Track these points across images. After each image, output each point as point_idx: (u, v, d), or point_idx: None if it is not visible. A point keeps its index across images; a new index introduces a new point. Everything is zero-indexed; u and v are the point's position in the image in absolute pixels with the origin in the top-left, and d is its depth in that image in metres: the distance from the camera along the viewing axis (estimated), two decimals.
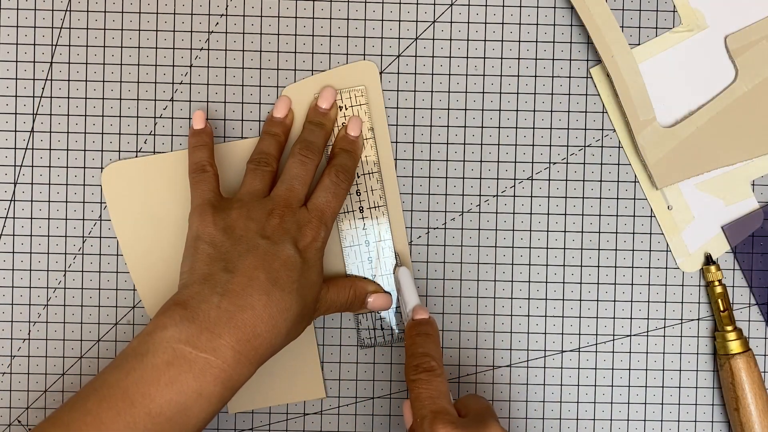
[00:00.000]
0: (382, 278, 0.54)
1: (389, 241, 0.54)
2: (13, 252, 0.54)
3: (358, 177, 0.54)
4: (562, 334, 0.55)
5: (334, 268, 0.54)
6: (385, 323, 0.54)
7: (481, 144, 0.55)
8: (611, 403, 0.55)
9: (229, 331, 0.44)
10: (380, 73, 0.55)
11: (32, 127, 0.54)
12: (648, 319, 0.55)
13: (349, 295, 0.52)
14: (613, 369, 0.55)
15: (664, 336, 0.55)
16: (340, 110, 0.54)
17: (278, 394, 0.54)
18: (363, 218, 0.54)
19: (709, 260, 0.55)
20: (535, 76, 0.55)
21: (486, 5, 0.55)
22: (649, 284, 0.55)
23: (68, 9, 0.54)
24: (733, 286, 0.55)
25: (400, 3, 0.55)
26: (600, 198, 0.55)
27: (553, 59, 0.55)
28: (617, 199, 0.55)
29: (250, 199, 0.50)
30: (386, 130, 0.54)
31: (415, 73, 0.55)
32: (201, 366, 0.44)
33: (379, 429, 0.55)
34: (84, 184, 0.54)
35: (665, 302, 0.55)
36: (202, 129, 0.53)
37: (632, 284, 0.55)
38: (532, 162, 0.55)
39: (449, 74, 0.55)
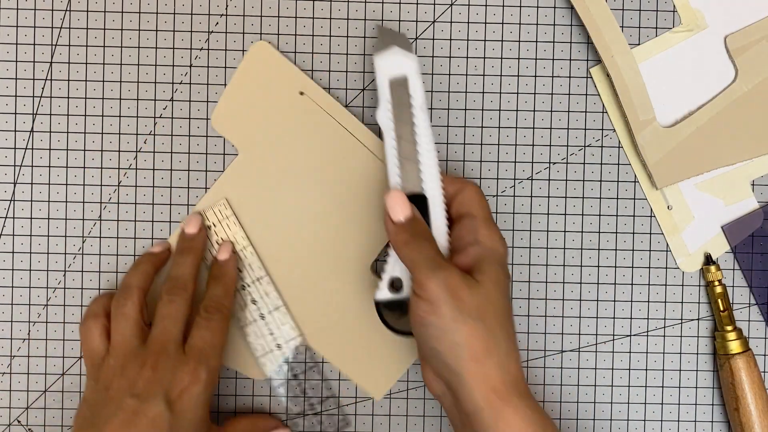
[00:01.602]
0: (287, 345, 0.54)
1: (282, 308, 0.53)
2: (13, 252, 0.54)
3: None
4: (562, 334, 0.55)
5: (240, 353, 0.54)
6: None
7: (481, 144, 0.55)
8: (611, 403, 0.55)
9: None
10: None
11: (32, 127, 0.54)
12: (648, 319, 0.55)
13: None
14: (613, 369, 0.55)
15: (664, 336, 0.55)
16: (209, 229, 0.53)
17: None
18: (250, 293, 0.53)
19: (709, 260, 0.55)
20: (535, 76, 0.55)
21: (486, 5, 0.55)
22: (649, 284, 0.55)
23: (68, 9, 0.54)
24: (733, 286, 0.55)
25: (400, 3, 0.55)
26: (600, 198, 0.55)
27: (553, 59, 0.55)
28: (617, 199, 0.55)
29: (124, 350, 0.48)
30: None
31: None
32: None
33: (379, 429, 0.55)
34: (84, 184, 0.54)
35: (665, 302, 0.55)
36: (158, 254, 0.53)
37: (632, 284, 0.55)
38: (532, 162, 0.55)
39: (449, 74, 0.55)
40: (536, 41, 0.55)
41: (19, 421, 0.55)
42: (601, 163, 0.55)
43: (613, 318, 0.55)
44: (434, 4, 0.55)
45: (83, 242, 0.55)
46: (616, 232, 0.55)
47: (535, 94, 0.55)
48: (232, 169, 0.54)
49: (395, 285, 0.49)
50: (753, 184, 0.55)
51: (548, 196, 0.55)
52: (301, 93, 0.53)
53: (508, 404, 0.44)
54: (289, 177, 0.54)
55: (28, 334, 0.55)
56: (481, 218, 0.48)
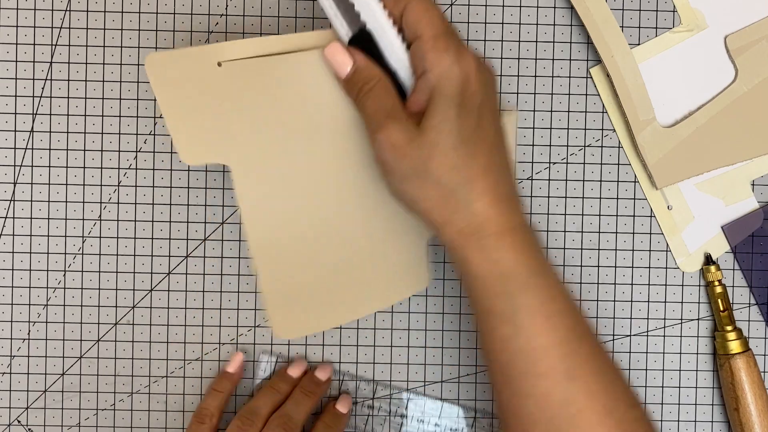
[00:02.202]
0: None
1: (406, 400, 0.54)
2: (13, 252, 0.54)
3: None
4: None
5: None
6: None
7: None
8: None
9: None
10: None
11: (32, 127, 0.54)
12: (648, 319, 0.55)
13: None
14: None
15: (664, 336, 0.55)
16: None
17: (383, 296, 0.52)
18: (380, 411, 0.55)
19: (709, 260, 0.55)
20: (535, 76, 0.55)
21: (486, 5, 0.55)
22: (649, 284, 0.55)
23: (68, 9, 0.54)
24: (733, 286, 0.55)
25: None
26: (600, 198, 0.55)
27: (553, 59, 0.55)
28: (617, 199, 0.55)
29: None
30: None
31: None
32: None
33: (378, 429, 0.55)
34: (84, 184, 0.54)
35: (665, 302, 0.55)
36: (232, 374, 0.53)
37: (632, 284, 0.55)
38: (532, 162, 0.55)
39: None
40: (536, 41, 0.55)
41: (19, 421, 0.55)
42: (601, 163, 0.55)
43: (613, 318, 0.55)
44: None
45: (83, 242, 0.54)
46: (616, 232, 0.55)
47: (535, 94, 0.55)
48: (241, 188, 0.49)
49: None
50: (753, 184, 0.55)
51: (548, 196, 0.55)
52: (219, 64, 0.47)
53: (474, 244, 0.42)
54: (291, 143, 0.48)
55: (28, 334, 0.55)
56: (427, 38, 0.42)
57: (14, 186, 0.54)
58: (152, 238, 0.55)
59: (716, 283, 0.54)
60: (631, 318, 0.55)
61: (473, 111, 0.42)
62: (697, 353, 0.55)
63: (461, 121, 0.42)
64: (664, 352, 0.55)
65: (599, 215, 0.55)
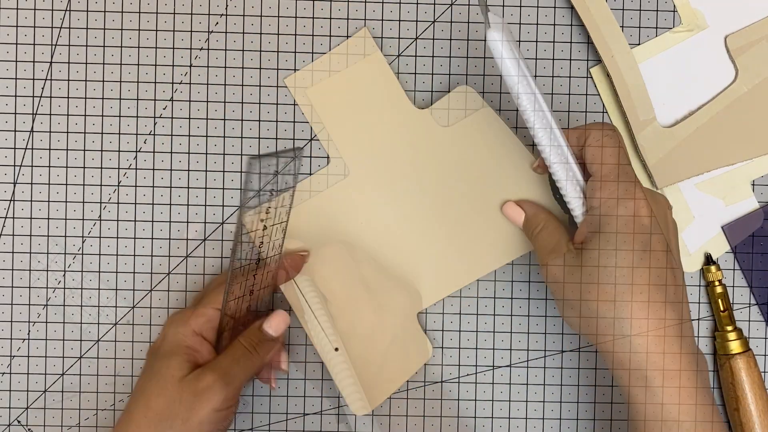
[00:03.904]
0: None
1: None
2: (13, 252, 0.54)
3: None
4: (562, 334, 0.55)
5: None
6: None
7: None
8: (611, 403, 0.55)
9: None
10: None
11: (32, 127, 0.54)
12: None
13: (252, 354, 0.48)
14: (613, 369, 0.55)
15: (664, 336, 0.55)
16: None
17: (395, 377, 0.54)
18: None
19: (709, 260, 0.55)
20: (535, 76, 0.55)
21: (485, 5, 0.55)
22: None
23: (68, 9, 0.54)
24: (733, 286, 0.55)
25: (400, 3, 0.55)
26: None
27: (553, 59, 0.55)
28: None
29: None
30: (404, 96, 0.54)
31: (415, 73, 0.55)
32: None
33: (378, 429, 0.55)
34: (84, 184, 0.54)
35: None
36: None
37: None
38: None
39: (449, 74, 0.55)
40: (536, 41, 0.55)
41: (19, 421, 0.55)
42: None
43: (614, 318, 0.55)
44: (434, 4, 0.55)
45: (83, 242, 0.55)
46: (617, 232, 0.55)
47: None
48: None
49: None
50: (753, 184, 0.55)
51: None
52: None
53: (638, 383, 0.45)
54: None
55: (28, 334, 0.55)
56: (596, 178, 0.46)
57: (14, 186, 0.54)
58: (152, 238, 0.55)
59: (716, 283, 0.54)
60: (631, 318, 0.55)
61: (636, 245, 0.45)
62: None
63: (621, 255, 0.44)
64: (664, 353, 0.55)
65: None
